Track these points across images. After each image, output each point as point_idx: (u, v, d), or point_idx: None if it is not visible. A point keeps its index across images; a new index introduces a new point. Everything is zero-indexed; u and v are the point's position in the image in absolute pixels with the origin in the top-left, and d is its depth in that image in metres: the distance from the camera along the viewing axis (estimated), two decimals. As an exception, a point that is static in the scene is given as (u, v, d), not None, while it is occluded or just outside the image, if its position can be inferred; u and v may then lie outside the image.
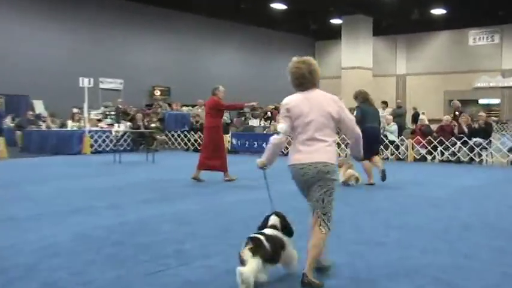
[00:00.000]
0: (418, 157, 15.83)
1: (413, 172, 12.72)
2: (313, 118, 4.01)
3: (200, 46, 28.15)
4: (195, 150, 19.56)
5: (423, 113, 21.04)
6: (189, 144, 20.00)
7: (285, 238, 4.12)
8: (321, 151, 4.00)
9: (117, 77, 23.24)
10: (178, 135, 20.41)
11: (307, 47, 35.54)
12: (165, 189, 9.38)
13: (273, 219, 4.21)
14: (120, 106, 20.38)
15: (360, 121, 9.90)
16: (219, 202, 7.99)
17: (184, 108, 23.41)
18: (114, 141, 17.42)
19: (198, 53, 28.01)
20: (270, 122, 22.36)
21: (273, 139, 4.17)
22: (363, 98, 10.20)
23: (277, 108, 25.31)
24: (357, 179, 9.86)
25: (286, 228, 4.18)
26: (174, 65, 26.63)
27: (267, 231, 4.07)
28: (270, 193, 4.36)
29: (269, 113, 24.35)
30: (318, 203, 4.05)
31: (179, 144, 20.39)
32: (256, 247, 3.81)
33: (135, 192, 8.90)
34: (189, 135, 19.97)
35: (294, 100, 4.12)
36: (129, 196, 8.46)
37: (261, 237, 3.91)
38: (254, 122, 21.89)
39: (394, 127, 16.59)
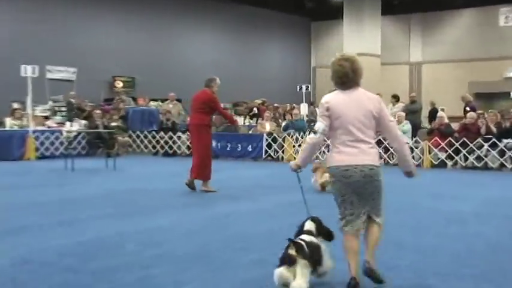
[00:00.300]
0: (436, 162, 15.94)
1: (430, 181, 12.81)
2: (355, 118, 4.61)
3: (173, 28, 28.07)
4: (166, 154, 19.53)
5: (442, 109, 21.17)
6: (158, 147, 19.96)
7: (322, 245, 4.71)
8: (365, 153, 4.63)
9: (69, 65, 23.05)
10: (145, 137, 20.35)
11: (301, 29, 35.62)
12: (129, 202, 9.35)
13: (309, 225, 4.81)
14: (73, 101, 20.26)
15: None
16: (195, 217, 7.99)
17: (152, 104, 23.33)
18: (66, 143, 17.31)
19: (170, 36, 27.92)
20: (257, 120, 22.40)
21: (310, 139, 4.76)
22: None
23: (264, 104, 25.42)
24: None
25: (322, 233, 4.81)
26: (140, 51, 26.50)
27: (304, 237, 4.62)
28: (304, 197, 5.00)
29: (255, 109, 24.38)
30: (367, 205, 4.72)
31: (146, 147, 20.34)
32: (300, 252, 4.34)
33: (92, 206, 8.86)
34: (158, 136, 19.93)
35: (334, 99, 4.70)
36: (85, 211, 8.41)
37: (302, 242, 4.46)
38: (238, 120, 21.89)
39: (407, 126, 16.71)
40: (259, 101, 25.76)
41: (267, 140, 18.04)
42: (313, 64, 36.34)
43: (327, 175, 10.50)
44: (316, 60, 36.23)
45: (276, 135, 18.14)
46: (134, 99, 23.42)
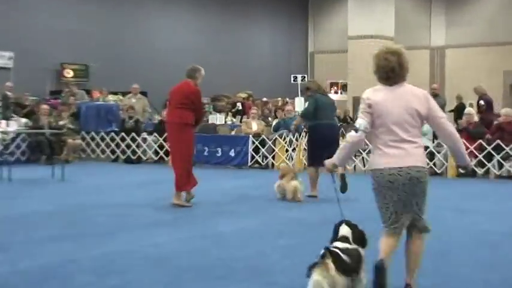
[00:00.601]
0: (463, 171, 15.98)
1: (455, 193, 12.85)
2: (399, 117, 5.21)
3: (137, 5, 28.00)
4: (128, 161, 19.45)
5: (471, 105, 21.28)
6: (118, 151, 19.87)
7: (362, 252, 5.17)
8: (411, 154, 5.20)
9: (4, 49, 22.97)
10: (102, 139, 20.25)
11: (296, 6, 35.66)
12: (81, 220, 9.30)
13: (344, 230, 5.25)
14: (10, 94, 20.14)
15: (312, 115, 11.86)
16: (165, 239, 7.97)
17: (111, 98, 23.24)
18: (1, 147, 17.22)
19: (133, 15, 27.83)
20: (241, 118, 22.39)
21: (351, 137, 5.33)
22: (317, 87, 12.24)
23: (250, 98, 25.45)
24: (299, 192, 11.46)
25: (358, 238, 5.26)
26: (96, 32, 26.38)
27: (340, 244, 5.06)
28: (338, 198, 5.59)
29: (239, 105, 24.40)
30: (412, 209, 5.30)
31: (103, 151, 20.24)
32: (337, 261, 4.73)
33: (34, 226, 8.80)
34: (117, 139, 19.83)
35: (377, 95, 5.29)
36: (25, 232, 8.36)
37: (338, 250, 4.87)
38: (217, 119, 21.88)
39: (426, 126, 16.70)
40: (243, 95, 25.80)
41: (253, 142, 18.02)
42: (310, 49, 36.43)
43: (295, 182, 11.34)
44: (314, 44, 36.32)
45: (264, 137, 18.12)
46: (88, 92, 23.30)
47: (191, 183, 10.92)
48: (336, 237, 5.23)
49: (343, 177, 11.23)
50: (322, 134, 11.77)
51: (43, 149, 18.38)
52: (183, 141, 10.78)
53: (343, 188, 11.11)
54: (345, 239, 5.14)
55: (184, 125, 10.70)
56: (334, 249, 4.87)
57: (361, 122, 5.24)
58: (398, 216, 5.24)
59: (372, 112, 5.23)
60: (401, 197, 5.22)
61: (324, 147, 11.35)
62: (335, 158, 5.47)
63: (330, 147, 11.52)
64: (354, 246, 5.12)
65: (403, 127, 5.20)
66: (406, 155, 5.18)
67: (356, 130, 5.26)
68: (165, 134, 18.09)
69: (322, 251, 4.74)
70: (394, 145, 5.20)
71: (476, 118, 17.20)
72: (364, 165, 17.10)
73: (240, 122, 21.42)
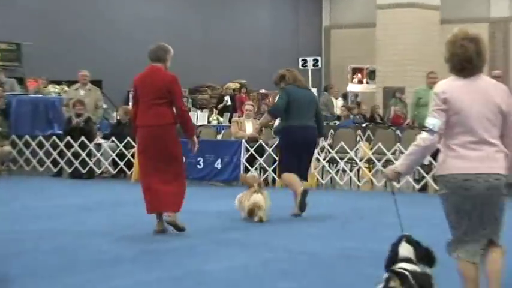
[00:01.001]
0: None
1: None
2: (479, 114, 5.78)
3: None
4: (75, 175, 19.43)
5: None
6: (62, 162, 19.86)
7: (432, 274, 5.61)
8: (492, 158, 5.78)
9: None
10: (40, 145, 20.25)
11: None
12: (10, 257, 9.29)
13: (405, 249, 5.62)
14: None
15: (283, 113, 12.54)
16: (126, 284, 7.96)
17: (52, 89, 23.21)
18: None
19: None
20: (231, 116, 22.41)
21: (423, 140, 5.86)
22: (293, 78, 12.71)
23: (242, 89, 25.44)
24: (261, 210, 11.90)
25: (423, 257, 5.66)
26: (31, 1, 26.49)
27: (406, 266, 5.44)
28: (398, 211, 5.99)
29: (227, 99, 24.43)
30: (488, 227, 5.86)
31: (41, 162, 20.25)
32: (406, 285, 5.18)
33: None
34: (61, 145, 19.83)
35: (454, 89, 5.87)
36: None
37: (407, 273, 5.30)
38: (197, 117, 21.93)
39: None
40: (234, 85, 25.84)
41: (247, 150, 18.01)
42: (325, 23, 36.54)
43: (257, 197, 11.74)
44: (330, 16, 36.43)
45: (262, 143, 18.10)
46: (21, 81, 23.30)
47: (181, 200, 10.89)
48: (395, 258, 5.56)
49: (304, 194, 11.94)
50: (293, 138, 12.46)
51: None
52: (174, 148, 10.83)
53: (302, 208, 11.91)
54: (408, 261, 5.49)
55: (165, 126, 10.72)
56: (403, 270, 5.26)
57: (435, 121, 5.78)
58: (470, 234, 5.81)
59: (447, 108, 5.77)
60: (476, 209, 5.77)
61: (296, 154, 12.32)
62: (400, 166, 6.02)
63: (302, 154, 12.56)
64: (422, 269, 5.49)
65: (484, 126, 5.76)
66: (487, 159, 5.74)
67: (430, 131, 5.78)
68: (127, 139, 18.21)
69: (387, 274, 5.17)
70: (472, 147, 5.77)
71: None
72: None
73: (230, 121, 21.45)
